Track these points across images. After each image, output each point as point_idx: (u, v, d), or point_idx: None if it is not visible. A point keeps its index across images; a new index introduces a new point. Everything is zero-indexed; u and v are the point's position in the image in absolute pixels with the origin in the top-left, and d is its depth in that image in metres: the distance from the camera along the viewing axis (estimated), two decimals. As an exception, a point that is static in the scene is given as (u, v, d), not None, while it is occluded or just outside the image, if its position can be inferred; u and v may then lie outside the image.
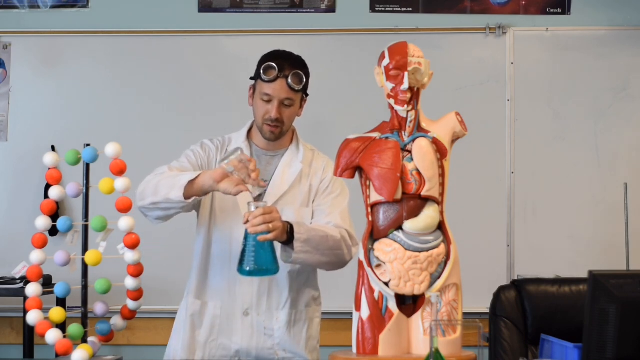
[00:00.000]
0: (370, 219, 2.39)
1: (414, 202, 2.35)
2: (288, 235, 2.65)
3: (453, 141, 2.44)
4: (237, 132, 2.97)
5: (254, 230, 2.50)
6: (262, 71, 2.80)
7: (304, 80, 2.83)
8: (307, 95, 2.91)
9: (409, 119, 2.39)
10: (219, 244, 2.86)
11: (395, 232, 2.35)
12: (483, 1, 4.77)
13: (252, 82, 2.88)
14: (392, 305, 2.32)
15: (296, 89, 2.80)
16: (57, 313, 2.54)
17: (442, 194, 2.38)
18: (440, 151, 2.38)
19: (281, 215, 2.73)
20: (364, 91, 4.60)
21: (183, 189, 2.63)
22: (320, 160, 2.97)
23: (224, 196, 2.79)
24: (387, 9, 4.78)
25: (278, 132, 2.85)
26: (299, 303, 2.88)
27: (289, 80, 2.79)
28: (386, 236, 2.35)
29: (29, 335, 4.20)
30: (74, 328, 2.50)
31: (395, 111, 2.40)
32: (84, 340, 2.53)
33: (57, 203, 2.56)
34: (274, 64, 2.79)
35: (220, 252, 2.86)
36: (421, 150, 2.35)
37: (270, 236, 2.53)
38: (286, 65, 2.81)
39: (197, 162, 2.88)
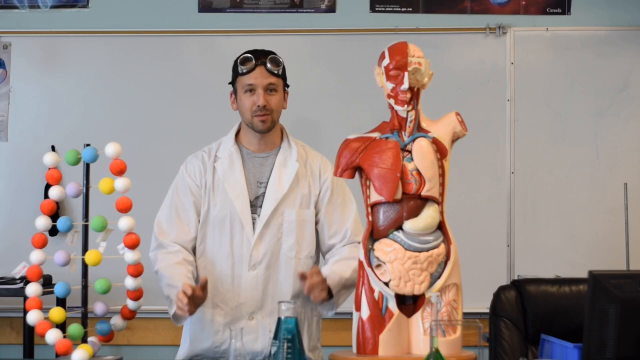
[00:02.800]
0: (370, 219, 2.39)
1: (414, 202, 2.35)
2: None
3: (453, 141, 2.44)
4: (225, 135, 2.98)
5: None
6: (240, 64, 2.85)
7: (282, 64, 2.87)
8: (288, 86, 2.94)
9: (409, 119, 2.39)
10: (220, 250, 2.86)
11: (395, 232, 2.35)
12: (483, 1, 4.77)
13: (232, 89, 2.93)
14: (392, 305, 2.32)
15: (275, 72, 2.84)
16: (57, 313, 2.54)
17: (442, 194, 2.38)
18: (440, 151, 2.39)
19: (283, 217, 2.82)
20: (363, 91, 4.60)
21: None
22: (314, 158, 2.97)
23: (220, 206, 2.82)
24: (387, 9, 4.78)
25: (269, 121, 2.86)
26: (301, 304, 2.87)
27: (267, 65, 2.84)
28: (386, 236, 2.35)
29: (29, 335, 4.20)
30: (74, 328, 2.50)
31: (395, 111, 2.40)
32: (84, 340, 2.53)
33: (57, 203, 2.56)
34: (249, 55, 2.86)
35: (222, 258, 2.85)
36: (421, 150, 2.36)
37: None
38: (261, 53, 2.87)
39: (194, 193, 2.89)
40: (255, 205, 2.86)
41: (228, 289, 2.84)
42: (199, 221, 2.88)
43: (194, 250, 2.89)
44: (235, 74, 2.88)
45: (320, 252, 2.98)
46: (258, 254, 2.83)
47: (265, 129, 2.87)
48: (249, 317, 2.85)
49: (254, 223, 2.85)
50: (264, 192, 2.86)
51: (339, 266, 2.82)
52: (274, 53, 2.90)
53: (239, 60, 2.87)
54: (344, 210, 2.92)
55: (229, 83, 2.95)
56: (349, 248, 2.88)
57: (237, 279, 2.84)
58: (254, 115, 2.85)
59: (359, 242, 2.78)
